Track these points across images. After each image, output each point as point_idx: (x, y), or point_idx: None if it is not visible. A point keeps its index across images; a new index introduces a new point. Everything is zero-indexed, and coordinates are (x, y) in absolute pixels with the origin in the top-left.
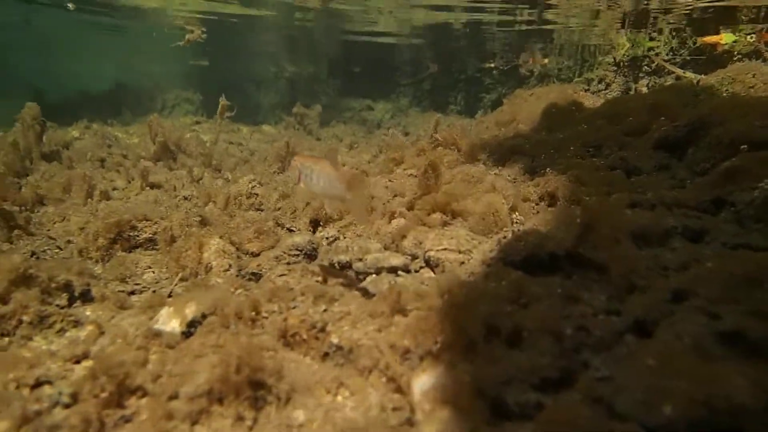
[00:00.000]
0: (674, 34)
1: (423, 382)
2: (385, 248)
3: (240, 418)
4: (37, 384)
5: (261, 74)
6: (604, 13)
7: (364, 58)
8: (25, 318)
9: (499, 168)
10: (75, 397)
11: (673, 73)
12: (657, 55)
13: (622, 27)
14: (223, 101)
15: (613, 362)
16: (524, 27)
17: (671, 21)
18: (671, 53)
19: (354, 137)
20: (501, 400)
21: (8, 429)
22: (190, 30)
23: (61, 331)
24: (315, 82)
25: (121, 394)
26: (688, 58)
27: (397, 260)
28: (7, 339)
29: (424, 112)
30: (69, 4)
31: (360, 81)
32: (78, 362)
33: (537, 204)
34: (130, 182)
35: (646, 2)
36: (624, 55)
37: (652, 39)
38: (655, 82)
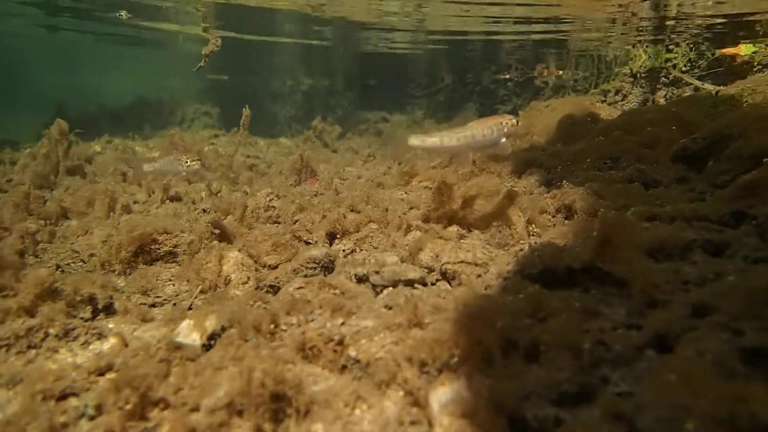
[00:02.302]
0: (692, 45)
1: (441, 395)
2: (402, 261)
3: (260, 431)
4: (63, 396)
5: (278, 88)
6: (619, 25)
7: (379, 71)
8: (51, 331)
9: (515, 180)
10: (99, 409)
11: (692, 84)
12: (674, 66)
13: (639, 38)
14: (246, 111)
15: (633, 378)
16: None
17: (690, 32)
18: (689, 64)
19: (370, 149)
20: (520, 414)
21: None
22: (207, 39)
23: (86, 344)
24: (331, 95)
25: (144, 406)
26: (705, 74)
27: (413, 273)
28: (34, 351)
29: (439, 124)
30: (122, 14)
31: (375, 93)
32: (102, 374)
33: (554, 216)
34: (150, 195)
35: (663, 13)
36: (641, 66)
37: (669, 50)
38: (673, 94)
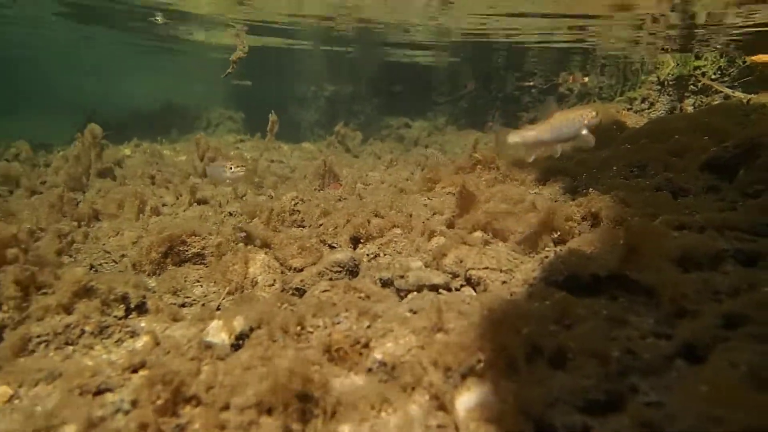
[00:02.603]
0: (722, 53)
1: (467, 400)
2: (426, 266)
3: (288, 430)
4: (99, 391)
5: (301, 93)
6: (646, 33)
7: (401, 78)
8: (87, 328)
9: (540, 187)
10: (135, 404)
11: (721, 92)
12: (703, 74)
13: (667, 45)
14: (272, 116)
15: (663, 387)
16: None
17: (719, 39)
18: (719, 72)
19: (392, 155)
20: (547, 421)
21: None
22: (236, 42)
23: (119, 341)
24: (354, 101)
25: (176, 402)
26: (736, 82)
27: (438, 278)
28: (71, 348)
29: (460, 131)
30: (158, 18)
31: (398, 99)
32: (135, 371)
33: (579, 224)
34: (178, 198)
35: (691, 20)
36: (669, 73)
37: (698, 58)
38: (702, 102)
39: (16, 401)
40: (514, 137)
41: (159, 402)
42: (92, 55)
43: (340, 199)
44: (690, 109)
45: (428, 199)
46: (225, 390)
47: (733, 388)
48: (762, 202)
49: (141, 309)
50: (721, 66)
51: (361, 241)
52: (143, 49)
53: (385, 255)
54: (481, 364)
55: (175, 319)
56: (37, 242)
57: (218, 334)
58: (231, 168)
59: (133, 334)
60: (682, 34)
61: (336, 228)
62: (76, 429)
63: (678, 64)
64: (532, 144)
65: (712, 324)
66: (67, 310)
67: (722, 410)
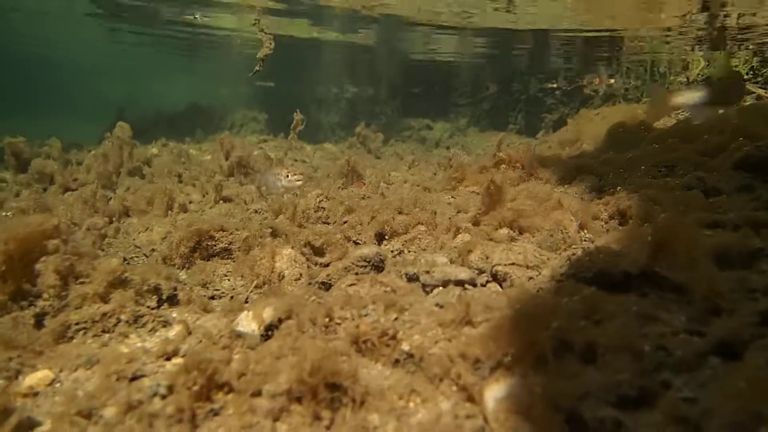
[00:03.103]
0: (755, 52)
1: (496, 391)
2: (452, 262)
3: (318, 418)
4: (134, 377)
5: (323, 95)
6: (675, 34)
7: (423, 79)
8: (122, 317)
9: (565, 186)
10: (171, 390)
11: (754, 93)
12: None
13: (697, 46)
14: (297, 115)
15: (696, 384)
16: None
17: (752, 41)
18: (751, 72)
19: (414, 156)
20: (577, 414)
21: (116, 415)
22: (262, 40)
23: (153, 330)
24: (375, 103)
25: (210, 388)
26: None
27: (464, 274)
28: (107, 336)
29: (482, 132)
30: (197, 15)
31: (419, 101)
32: (168, 359)
33: (606, 222)
34: (204, 196)
35: (722, 21)
36: (698, 74)
37: (731, 56)
38: None
39: (57, 385)
40: (679, 98)
41: (194, 388)
42: (121, 58)
43: (363, 198)
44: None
45: (452, 197)
46: (256, 377)
47: None
48: None
49: (172, 300)
50: (753, 66)
51: (386, 237)
52: (172, 51)
53: (409, 251)
54: (510, 358)
55: (206, 310)
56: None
57: (248, 324)
58: (287, 176)
59: (166, 324)
60: (712, 36)
61: (360, 225)
62: (117, 411)
63: (708, 64)
64: (690, 105)
65: (748, 322)
66: (104, 299)
67: (762, 405)
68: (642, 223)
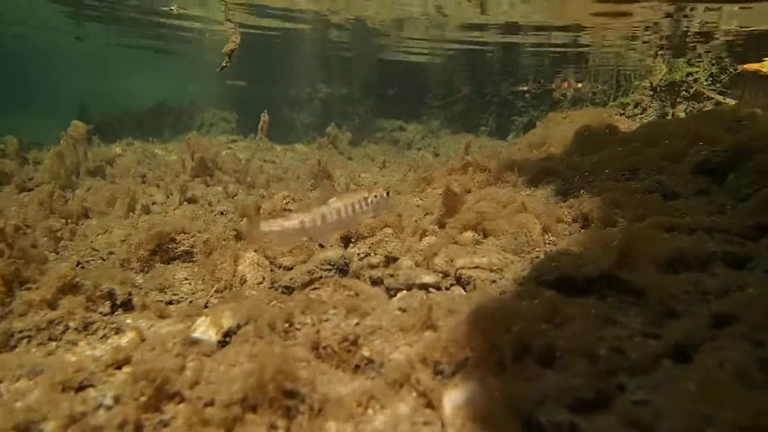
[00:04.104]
0: (714, 60)
1: (454, 397)
2: (417, 265)
3: (273, 427)
4: (81, 387)
5: (296, 95)
6: (639, 41)
7: (396, 81)
8: (71, 324)
9: (531, 189)
10: (117, 400)
11: (713, 99)
12: (696, 81)
13: (660, 51)
14: (264, 116)
15: (650, 386)
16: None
17: (712, 47)
18: (711, 79)
19: (386, 157)
20: (534, 419)
21: (56, 429)
22: (228, 34)
23: (104, 337)
24: (348, 103)
25: (160, 399)
26: (727, 89)
27: (428, 277)
28: (54, 344)
29: (455, 134)
30: (173, 7)
31: (392, 102)
32: (119, 368)
33: (570, 225)
34: (169, 197)
35: (685, 27)
36: (661, 79)
37: (691, 65)
38: (694, 108)
39: None
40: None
41: (142, 398)
42: (89, 55)
43: None
44: (682, 114)
45: (420, 199)
46: (210, 386)
47: (721, 386)
48: (750, 205)
49: (127, 305)
50: (713, 73)
51: (352, 240)
52: (140, 47)
53: (375, 254)
54: (470, 362)
55: (162, 316)
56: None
57: (206, 330)
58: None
59: (119, 331)
60: (675, 42)
61: None
62: (57, 425)
63: (671, 71)
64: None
65: (701, 324)
66: (51, 305)
67: (710, 408)
68: (604, 226)
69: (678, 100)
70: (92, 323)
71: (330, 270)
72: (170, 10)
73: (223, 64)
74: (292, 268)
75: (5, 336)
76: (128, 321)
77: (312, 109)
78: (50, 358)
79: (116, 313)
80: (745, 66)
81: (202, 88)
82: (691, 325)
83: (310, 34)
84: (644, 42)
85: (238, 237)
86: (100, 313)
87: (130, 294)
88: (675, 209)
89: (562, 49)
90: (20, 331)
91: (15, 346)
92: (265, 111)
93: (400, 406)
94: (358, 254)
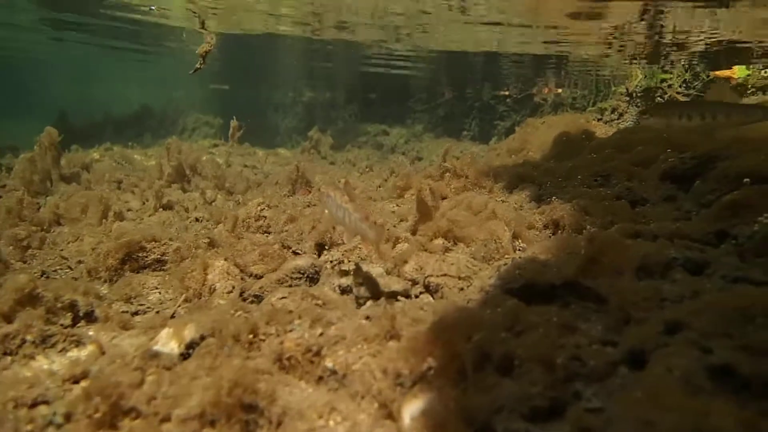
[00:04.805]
0: (687, 67)
1: (413, 408)
2: (387, 273)
3: None
4: (35, 404)
5: (279, 99)
6: (615, 47)
7: (380, 85)
8: (28, 337)
9: (507, 195)
10: (68, 418)
11: None
12: (670, 86)
13: (634, 60)
14: (234, 122)
15: (605, 394)
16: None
17: (685, 54)
18: (684, 85)
19: (368, 162)
20: (490, 428)
21: None
22: (203, 35)
23: (63, 351)
24: (332, 108)
25: (114, 415)
26: (700, 94)
27: (397, 285)
28: (9, 358)
29: (438, 138)
30: (153, 7)
31: (376, 107)
32: (77, 382)
33: (541, 232)
34: (144, 203)
35: (658, 36)
36: (637, 85)
37: (665, 71)
38: None
39: None
40: None
41: (96, 415)
42: (70, 59)
43: (309, 206)
44: None
45: (397, 206)
46: (167, 401)
47: (667, 392)
48: (712, 211)
49: (90, 317)
50: (686, 79)
51: (326, 247)
52: (122, 52)
53: (349, 261)
54: (432, 371)
55: (125, 328)
56: None
57: (168, 343)
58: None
59: (79, 344)
60: (649, 49)
61: (301, 234)
62: None
63: (646, 77)
64: None
65: (655, 331)
66: (8, 318)
67: (655, 414)
68: (574, 232)
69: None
70: (51, 336)
71: (300, 278)
72: (150, 9)
73: (197, 65)
74: (262, 277)
75: None
76: (90, 333)
77: (295, 114)
78: (4, 373)
79: (78, 325)
80: (718, 72)
81: (186, 93)
82: (646, 332)
83: (293, 43)
84: (620, 47)
85: (211, 244)
86: (61, 325)
87: (92, 305)
88: (642, 216)
89: (543, 53)
90: None
91: None
92: (234, 117)
93: (360, 417)
94: (331, 261)
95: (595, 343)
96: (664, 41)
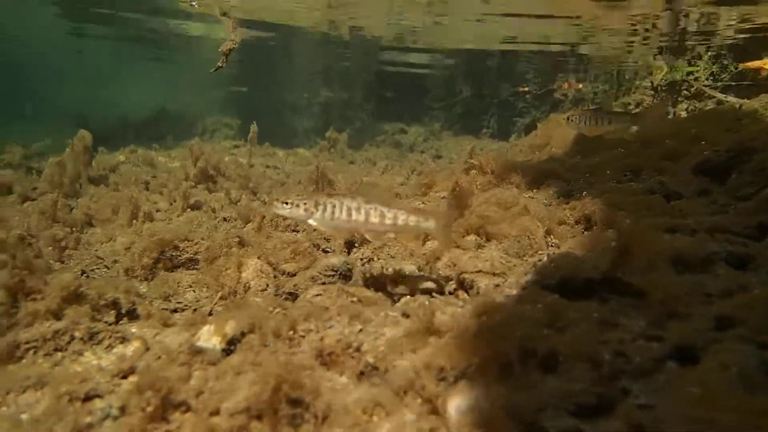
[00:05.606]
0: (714, 59)
1: (459, 403)
2: (420, 270)
3: None
4: (88, 397)
5: (296, 100)
6: (640, 38)
7: (396, 83)
8: (77, 334)
9: (533, 191)
10: (123, 411)
11: (714, 97)
12: (696, 79)
13: (660, 53)
14: (253, 128)
15: (653, 390)
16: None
17: (712, 45)
18: (711, 78)
19: (387, 161)
20: (538, 425)
21: None
22: (229, 30)
23: (109, 347)
24: (349, 107)
25: (166, 408)
26: (728, 87)
27: (431, 282)
28: (60, 354)
29: (456, 136)
30: (194, 3)
31: (393, 105)
32: (125, 377)
33: (572, 227)
34: (172, 204)
35: (682, 26)
36: (662, 79)
37: (691, 64)
38: (695, 107)
39: (3, 409)
40: None
41: (149, 408)
42: (90, 62)
43: None
44: (683, 114)
45: (422, 203)
46: (215, 395)
47: (724, 390)
48: (752, 205)
49: (132, 314)
50: (713, 72)
51: (356, 245)
52: (142, 55)
53: (378, 259)
54: (474, 368)
55: (166, 325)
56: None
57: (209, 339)
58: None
59: (124, 340)
60: (675, 40)
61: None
62: None
63: (671, 70)
64: None
65: (704, 326)
66: (57, 316)
67: (713, 413)
68: (606, 228)
69: (679, 99)
70: (97, 333)
71: (333, 276)
72: (191, 5)
73: (219, 64)
74: (295, 275)
75: (11, 347)
76: (133, 330)
77: (312, 114)
78: (56, 368)
79: (121, 322)
80: (747, 64)
81: (205, 95)
82: (694, 328)
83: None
84: (644, 41)
85: (241, 243)
86: (105, 322)
87: (134, 303)
88: (677, 210)
89: (562, 48)
90: (26, 342)
91: (21, 358)
92: (255, 123)
93: (405, 413)
94: (361, 259)
95: (639, 338)
96: (691, 31)
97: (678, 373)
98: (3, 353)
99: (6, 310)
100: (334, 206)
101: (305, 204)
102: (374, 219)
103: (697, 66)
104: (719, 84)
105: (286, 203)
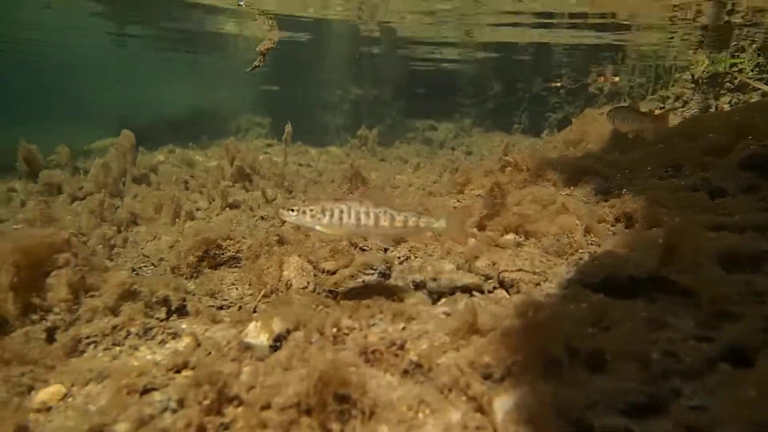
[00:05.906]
0: (760, 50)
1: (504, 402)
2: (458, 268)
3: (327, 430)
4: (145, 390)
5: (327, 98)
6: (681, 29)
7: (427, 80)
8: (132, 329)
9: (570, 188)
10: (181, 404)
11: (760, 89)
12: (741, 71)
13: (700, 47)
14: (288, 128)
15: (706, 391)
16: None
17: (758, 37)
18: (757, 69)
19: (418, 158)
20: (586, 423)
21: (128, 431)
22: (266, 30)
23: (162, 342)
24: (379, 104)
25: (221, 402)
26: None
27: (470, 280)
28: (117, 348)
29: (487, 132)
30: (242, 2)
31: (423, 102)
32: (178, 371)
33: (613, 225)
34: (211, 203)
35: (727, 17)
36: (703, 71)
37: (734, 56)
38: (739, 100)
39: (70, 399)
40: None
41: (205, 402)
42: (126, 63)
43: None
44: (726, 107)
45: (458, 201)
46: (266, 390)
47: None
48: None
49: (181, 311)
50: (759, 63)
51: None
52: (175, 55)
53: (416, 258)
54: (518, 366)
55: (215, 321)
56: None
57: (257, 335)
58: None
59: (175, 336)
60: (718, 31)
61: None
62: (128, 427)
63: (713, 62)
64: None
65: (758, 326)
66: (114, 312)
67: None
68: (648, 226)
69: (721, 92)
70: (150, 329)
71: (372, 274)
72: (239, 5)
73: (256, 63)
74: (335, 273)
75: (74, 342)
76: (183, 326)
77: (343, 111)
78: (115, 362)
79: (171, 318)
80: None
81: (237, 94)
82: (748, 328)
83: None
84: (684, 36)
85: (280, 242)
86: (157, 318)
87: (183, 300)
88: (722, 207)
89: (597, 42)
90: (87, 337)
91: (83, 351)
92: (289, 123)
93: (450, 411)
94: (398, 258)
95: (689, 338)
96: (736, 22)
97: (732, 375)
98: (67, 347)
99: (68, 306)
100: (342, 211)
101: (311, 210)
102: (384, 222)
103: (742, 58)
104: (765, 76)
105: (293, 210)
